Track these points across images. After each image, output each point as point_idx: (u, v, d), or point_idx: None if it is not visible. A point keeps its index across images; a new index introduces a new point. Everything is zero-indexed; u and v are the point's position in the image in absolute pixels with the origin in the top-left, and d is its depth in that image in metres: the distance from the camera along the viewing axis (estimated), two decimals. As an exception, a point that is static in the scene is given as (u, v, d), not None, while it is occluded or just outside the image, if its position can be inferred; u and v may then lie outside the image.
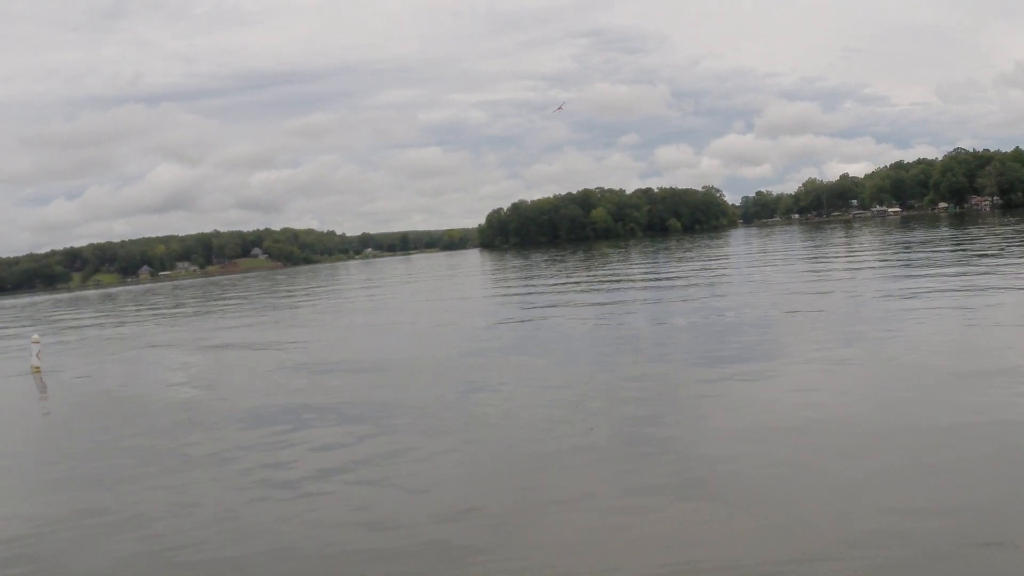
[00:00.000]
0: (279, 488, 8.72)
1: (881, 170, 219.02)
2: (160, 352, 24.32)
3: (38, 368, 20.31)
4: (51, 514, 8.43)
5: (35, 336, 21.63)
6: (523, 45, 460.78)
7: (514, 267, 68.90)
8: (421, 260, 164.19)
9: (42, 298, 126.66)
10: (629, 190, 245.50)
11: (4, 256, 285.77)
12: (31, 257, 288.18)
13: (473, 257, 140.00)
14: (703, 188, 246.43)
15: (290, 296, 53.76)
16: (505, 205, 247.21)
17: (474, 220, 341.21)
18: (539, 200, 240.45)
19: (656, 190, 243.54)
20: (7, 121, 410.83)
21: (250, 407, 13.47)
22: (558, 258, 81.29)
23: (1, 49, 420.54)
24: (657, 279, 38.06)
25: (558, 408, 11.32)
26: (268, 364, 18.59)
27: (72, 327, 41.54)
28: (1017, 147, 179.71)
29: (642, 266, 53.39)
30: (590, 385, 12.86)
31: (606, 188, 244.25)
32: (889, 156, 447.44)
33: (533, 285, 40.75)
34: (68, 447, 11.64)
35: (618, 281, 39.42)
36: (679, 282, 34.14)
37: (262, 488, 8.77)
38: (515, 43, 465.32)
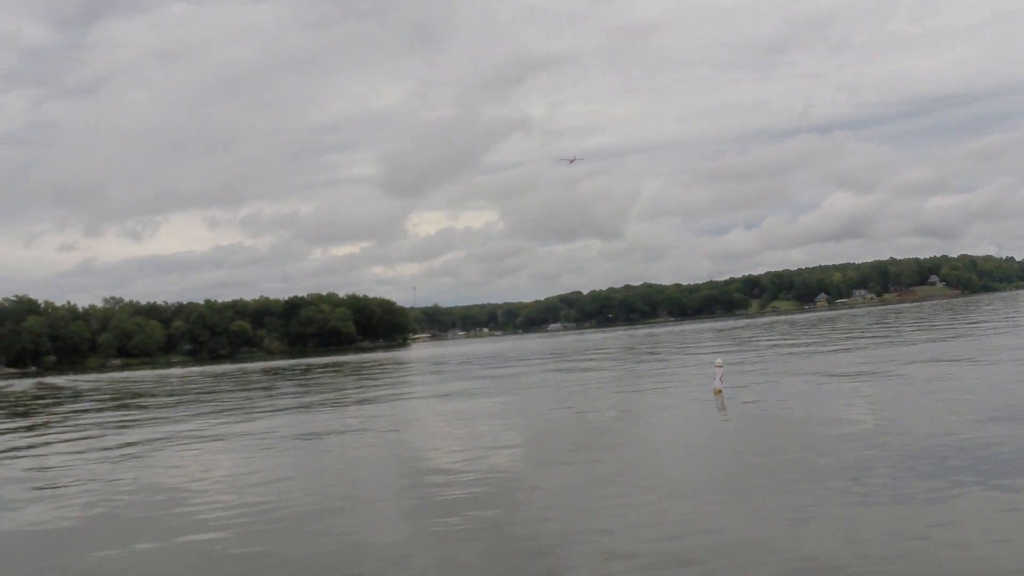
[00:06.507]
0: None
1: None
2: (836, 382, 23.95)
3: (720, 391, 21.88)
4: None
5: (718, 361, 23.44)
6: None
7: None
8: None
9: (724, 324, 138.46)
10: None
11: (686, 283, 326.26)
12: (711, 284, 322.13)
13: None
14: None
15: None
16: None
17: None
18: None
19: None
20: (683, 159, 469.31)
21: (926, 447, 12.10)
22: None
23: (675, 92, 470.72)
24: None
25: None
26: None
27: (755, 349, 43.87)
28: None
29: None
30: None
31: None
32: None
33: None
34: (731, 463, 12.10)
35: None
36: None
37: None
38: None
